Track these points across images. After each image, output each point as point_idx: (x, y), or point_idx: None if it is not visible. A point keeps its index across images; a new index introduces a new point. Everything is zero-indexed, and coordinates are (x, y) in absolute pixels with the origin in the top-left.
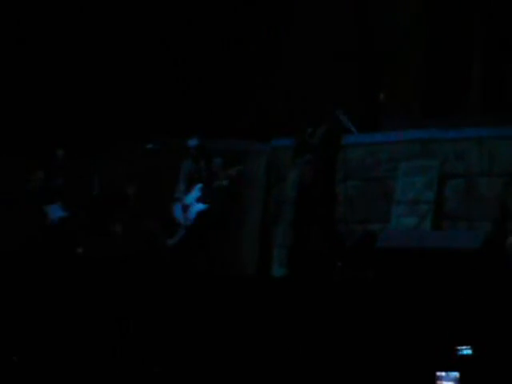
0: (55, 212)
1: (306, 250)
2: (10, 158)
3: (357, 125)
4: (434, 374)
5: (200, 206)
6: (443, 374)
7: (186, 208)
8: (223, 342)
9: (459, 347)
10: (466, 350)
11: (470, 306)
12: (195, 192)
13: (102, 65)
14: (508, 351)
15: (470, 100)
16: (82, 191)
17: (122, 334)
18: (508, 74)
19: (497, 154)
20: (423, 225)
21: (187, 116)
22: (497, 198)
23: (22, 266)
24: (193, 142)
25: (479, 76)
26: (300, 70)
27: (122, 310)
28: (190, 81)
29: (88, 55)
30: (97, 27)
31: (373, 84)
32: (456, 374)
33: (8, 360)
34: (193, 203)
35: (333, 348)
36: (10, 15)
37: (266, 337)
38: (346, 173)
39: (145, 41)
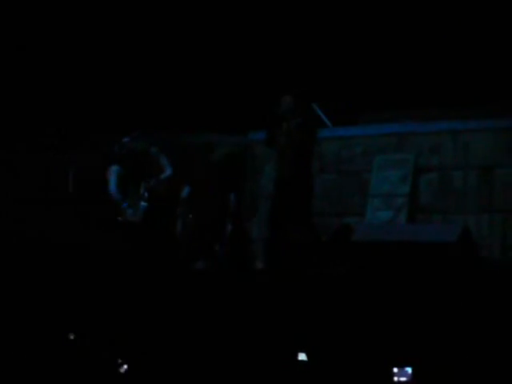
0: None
1: (283, 244)
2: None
3: (332, 118)
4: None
5: (143, 204)
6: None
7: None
8: (203, 336)
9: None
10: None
11: (445, 299)
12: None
13: (75, 58)
14: (481, 343)
15: (444, 93)
16: (57, 185)
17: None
18: (483, 67)
19: (471, 146)
20: (398, 218)
21: (162, 109)
22: (471, 191)
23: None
24: (124, 140)
25: (453, 69)
26: (275, 63)
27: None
28: (165, 74)
29: (62, 49)
30: (67, 23)
31: (348, 77)
32: (409, 370)
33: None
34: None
35: (308, 341)
36: None
37: (243, 330)
38: (321, 166)
39: (118, 35)
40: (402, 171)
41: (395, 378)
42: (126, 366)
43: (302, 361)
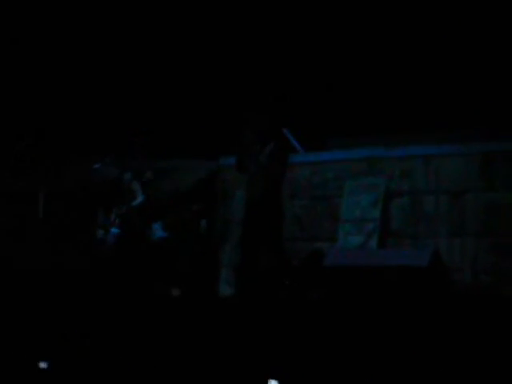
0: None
1: (254, 269)
2: None
3: (303, 143)
4: None
5: (114, 230)
6: None
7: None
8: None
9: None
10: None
11: (417, 324)
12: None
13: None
14: (452, 367)
15: (415, 118)
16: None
17: None
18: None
19: (442, 171)
20: (369, 243)
21: (135, 135)
22: (442, 216)
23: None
24: (95, 166)
25: (424, 94)
26: (245, 87)
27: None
28: (137, 100)
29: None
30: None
31: (319, 102)
32: None
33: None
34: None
35: (279, 368)
36: None
37: (214, 357)
38: (292, 191)
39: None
40: (373, 196)
41: None
42: None
43: None
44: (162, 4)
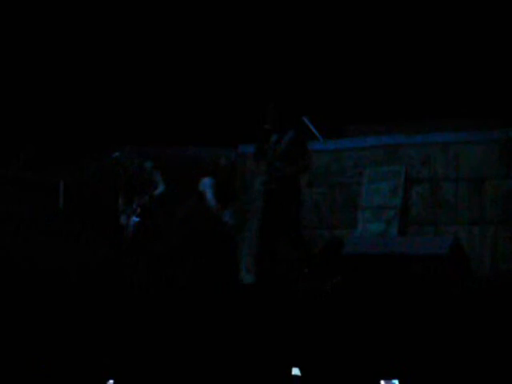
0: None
1: (273, 257)
2: None
3: (322, 131)
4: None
5: (135, 219)
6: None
7: (127, 221)
8: (193, 350)
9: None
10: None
11: (435, 312)
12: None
13: (65, 73)
14: (470, 355)
15: (434, 105)
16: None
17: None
18: (474, 80)
19: (462, 158)
20: (389, 230)
21: (152, 124)
22: (462, 203)
23: None
24: (114, 154)
25: (444, 81)
26: (266, 76)
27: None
28: (154, 88)
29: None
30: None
31: (338, 90)
32: (396, 382)
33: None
34: (131, 216)
35: (300, 355)
36: None
37: (235, 345)
38: (311, 179)
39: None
40: (393, 183)
41: None
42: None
43: (296, 376)
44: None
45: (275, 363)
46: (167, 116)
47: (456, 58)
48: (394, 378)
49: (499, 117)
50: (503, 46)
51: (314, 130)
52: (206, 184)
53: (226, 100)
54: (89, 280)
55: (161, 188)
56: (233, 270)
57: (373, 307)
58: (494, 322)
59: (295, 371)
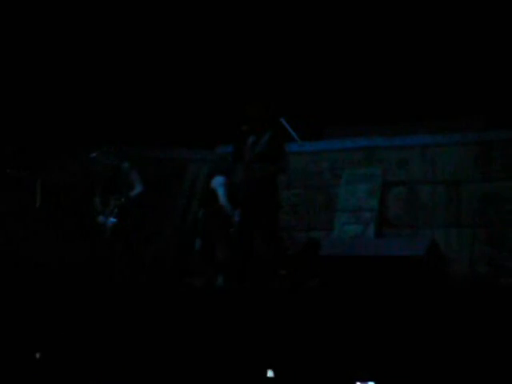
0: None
1: (250, 259)
2: None
3: (300, 133)
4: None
5: (112, 220)
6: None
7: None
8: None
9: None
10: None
11: (413, 313)
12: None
13: (44, 72)
14: (447, 356)
15: (412, 108)
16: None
17: None
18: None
19: (439, 161)
20: (367, 232)
21: (130, 124)
22: (439, 206)
23: None
24: (92, 154)
25: (420, 84)
26: (244, 77)
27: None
28: (133, 89)
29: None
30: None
31: (317, 92)
32: None
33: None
34: (108, 217)
35: (276, 356)
36: None
37: (210, 346)
38: (289, 181)
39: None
40: (370, 185)
41: None
42: None
43: (270, 378)
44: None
45: (250, 365)
46: (146, 117)
47: (432, 61)
48: (370, 380)
49: (476, 120)
50: (479, 49)
51: (291, 132)
52: (218, 182)
53: (204, 102)
54: (66, 279)
55: (138, 189)
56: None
57: (350, 309)
58: (470, 323)
59: (270, 373)
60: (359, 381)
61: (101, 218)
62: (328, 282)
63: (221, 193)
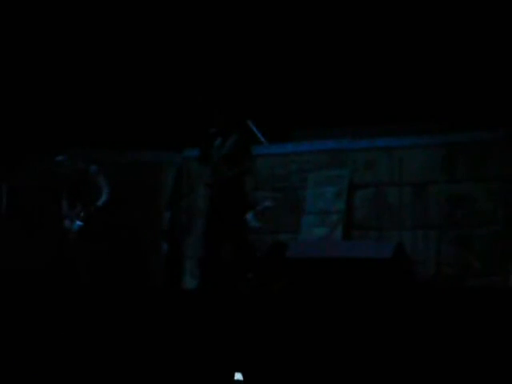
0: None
1: (217, 262)
2: None
3: (267, 135)
4: None
5: (79, 223)
6: None
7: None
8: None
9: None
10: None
11: (380, 315)
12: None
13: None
14: (414, 358)
15: (379, 110)
16: None
17: None
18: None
19: (406, 163)
20: (334, 235)
21: (97, 127)
22: (406, 208)
23: None
24: (58, 158)
25: (386, 86)
26: (211, 80)
27: None
28: (98, 91)
29: None
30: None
31: (284, 94)
32: None
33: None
34: (74, 220)
35: (244, 358)
36: None
37: (177, 349)
38: (256, 183)
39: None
40: (337, 188)
41: None
42: None
43: (238, 381)
44: None
45: (217, 368)
46: (112, 119)
47: (398, 64)
48: None
49: (442, 122)
50: (444, 51)
51: (258, 134)
52: None
53: (170, 104)
54: (31, 282)
55: (105, 195)
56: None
57: (316, 311)
58: (437, 325)
59: (238, 376)
60: None
61: (67, 222)
62: (295, 284)
63: None
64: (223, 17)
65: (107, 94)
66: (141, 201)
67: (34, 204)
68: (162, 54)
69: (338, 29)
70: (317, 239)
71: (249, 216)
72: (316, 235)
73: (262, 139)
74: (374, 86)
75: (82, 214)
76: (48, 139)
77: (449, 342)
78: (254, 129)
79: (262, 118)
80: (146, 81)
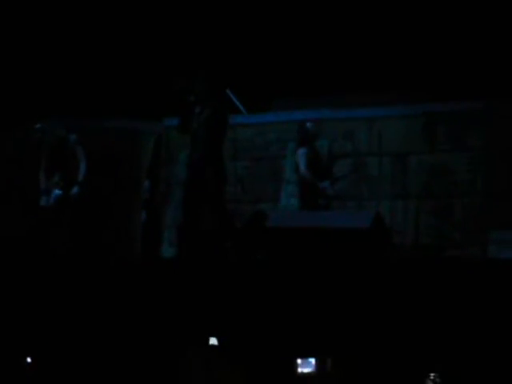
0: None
1: (196, 231)
2: None
3: (247, 105)
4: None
5: (58, 192)
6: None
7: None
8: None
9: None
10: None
11: (358, 285)
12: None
13: None
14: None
15: (359, 80)
16: None
17: None
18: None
19: (385, 133)
20: None
21: (77, 94)
22: (385, 178)
23: None
24: (37, 126)
25: (366, 55)
26: (191, 48)
27: None
28: (78, 58)
29: None
30: None
31: (263, 63)
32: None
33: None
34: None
35: (222, 329)
36: None
37: (156, 318)
38: (235, 153)
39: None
40: None
41: (299, 370)
42: None
43: (213, 345)
44: None
45: (195, 334)
46: (92, 88)
47: (379, 33)
48: (311, 357)
49: (422, 91)
50: (426, 21)
51: (237, 104)
52: (298, 154)
53: (151, 73)
54: (10, 252)
55: (83, 167)
56: None
57: (296, 280)
58: (415, 296)
59: (213, 341)
60: (301, 357)
61: (43, 199)
62: (274, 253)
63: (302, 166)
64: None
65: (87, 61)
66: (119, 170)
67: (12, 173)
68: (141, 20)
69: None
70: (296, 209)
71: (325, 184)
72: (295, 205)
73: (242, 109)
74: (353, 56)
75: (60, 183)
76: (26, 108)
77: (428, 312)
78: (234, 98)
79: (242, 87)
80: (126, 49)
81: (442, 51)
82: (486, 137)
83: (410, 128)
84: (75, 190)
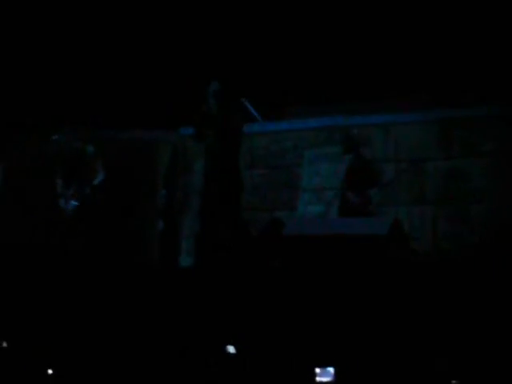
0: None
1: (213, 239)
2: None
3: (262, 112)
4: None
5: (74, 203)
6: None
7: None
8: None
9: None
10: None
11: (377, 292)
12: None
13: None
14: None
15: (374, 86)
16: None
17: None
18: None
19: (402, 139)
20: (330, 212)
21: (92, 106)
22: (402, 184)
23: None
24: (54, 137)
25: (382, 61)
26: (205, 58)
27: None
28: (94, 69)
29: None
30: None
31: (278, 71)
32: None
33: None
34: (69, 200)
35: (239, 337)
36: None
37: (174, 327)
38: (251, 161)
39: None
40: (333, 165)
41: (317, 379)
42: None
43: (231, 354)
44: None
45: (213, 344)
46: (108, 98)
47: (393, 38)
48: (330, 366)
49: (438, 97)
50: (442, 26)
51: (253, 112)
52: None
53: (167, 83)
54: (27, 261)
55: (101, 175)
56: None
57: (313, 288)
58: (434, 300)
59: (230, 349)
60: (319, 367)
61: (61, 202)
62: (291, 261)
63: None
64: None
65: (103, 72)
66: (137, 179)
67: (29, 184)
68: (157, 30)
69: (331, 5)
70: (313, 216)
71: (373, 190)
72: (312, 212)
73: (257, 117)
74: (368, 62)
75: (77, 194)
76: (44, 119)
77: (446, 320)
78: (249, 106)
79: (257, 95)
80: (142, 60)
81: (457, 57)
82: (502, 142)
83: (425, 134)
84: (91, 200)
